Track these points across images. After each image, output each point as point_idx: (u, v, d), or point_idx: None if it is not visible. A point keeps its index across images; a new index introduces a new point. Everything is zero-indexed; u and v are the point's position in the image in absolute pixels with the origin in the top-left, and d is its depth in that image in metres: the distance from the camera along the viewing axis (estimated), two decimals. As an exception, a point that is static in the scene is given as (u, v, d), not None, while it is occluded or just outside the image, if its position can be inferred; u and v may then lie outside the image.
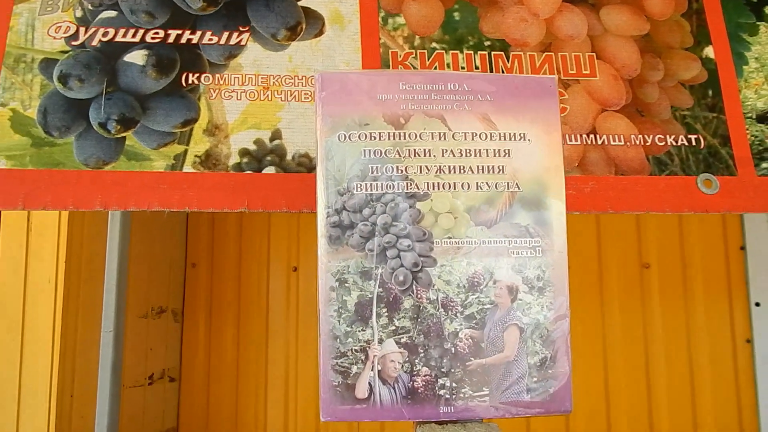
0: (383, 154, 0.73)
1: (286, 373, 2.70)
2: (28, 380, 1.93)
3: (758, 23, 1.24)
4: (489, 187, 0.73)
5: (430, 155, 0.73)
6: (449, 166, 0.73)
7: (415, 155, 0.73)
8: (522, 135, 0.74)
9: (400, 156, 0.73)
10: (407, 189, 0.72)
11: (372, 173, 0.72)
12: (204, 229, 2.84)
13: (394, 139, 0.73)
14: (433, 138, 0.74)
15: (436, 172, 0.73)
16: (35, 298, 1.98)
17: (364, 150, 0.73)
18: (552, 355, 0.72)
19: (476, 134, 0.74)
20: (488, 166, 0.74)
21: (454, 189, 0.73)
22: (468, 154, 0.74)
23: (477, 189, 0.73)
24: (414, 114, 0.73)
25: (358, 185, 0.72)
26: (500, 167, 0.74)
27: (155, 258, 2.56)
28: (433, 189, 0.73)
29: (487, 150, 0.74)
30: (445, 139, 0.74)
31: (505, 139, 0.74)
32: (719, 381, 2.40)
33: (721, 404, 2.39)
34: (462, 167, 0.73)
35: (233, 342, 2.74)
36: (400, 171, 0.73)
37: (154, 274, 2.54)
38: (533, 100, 0.75)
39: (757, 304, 2.38)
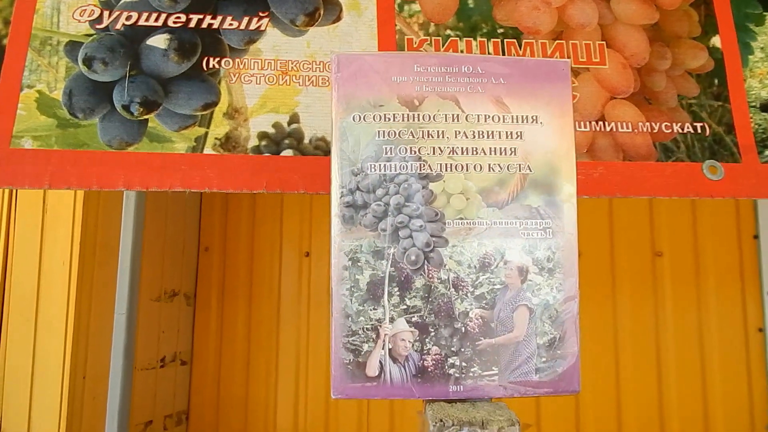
0: (397, 135, 0.70)
1: (297, 357, 2.67)
2: (41, 361, 1.92)
3: (765, 13, 1.22)
4: (501, 168, 0.71)
5: (443, 137, 0.71)
6: (462, 148, 0.71)
7: (428, 136, 0.71)
8: (534, 118, 0.72)
9: (413, 137, 0.70)
10: (420, 170, 0.70)
11: (386, 154, 0.70)
12: (217, 214, 2.79)
13: (408, 120, 0.70)
14: (446, 120, 0.71)
15: (449, 154, 0.70)
16: (49, 280, 1.95)
17: (379, 131, 0.70)
18: (561, 336, 0.70)
19: (489, 116, 0.71)
20: (500, 148, 0.71)
21: (467, 170, 0.70)
22: (481, 136, 0.71)
23: (489, 170, 0.71)
24: (428, 96, 0.71)
25: (372, 166, 0.70)
26: (512, 149, 0.71)
27: (168, 241, 2.53)
28: (446, 170, 0.70)
29: (499, 132, 0.71)
30: (458, 120, 0.71)
31: (517, 121, 0.72)
32: (730, 370, 2.35)
33: (732, 393, 2.34)
34: (474, 149, 0.71)
35: (245, 326, 2.72)
36: (413, 152, 0.70)
37: (167, 258, 2.51)
38: (546, 84, 0.73)
39: None
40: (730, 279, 2.42)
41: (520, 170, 0.71)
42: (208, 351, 2.73)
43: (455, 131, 0.71)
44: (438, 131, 0.71)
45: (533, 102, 0.72)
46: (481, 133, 0.71)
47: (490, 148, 0.71)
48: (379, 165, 0.70)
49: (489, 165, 0.71)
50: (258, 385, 2.67)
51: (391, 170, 0.70)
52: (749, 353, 2.36)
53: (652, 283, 2.46)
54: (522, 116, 0.72)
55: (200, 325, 2.74)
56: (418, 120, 0.71)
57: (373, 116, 0.70)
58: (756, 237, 2.41)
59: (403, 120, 0.71)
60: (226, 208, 2.75)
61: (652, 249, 2.49)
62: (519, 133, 0.71)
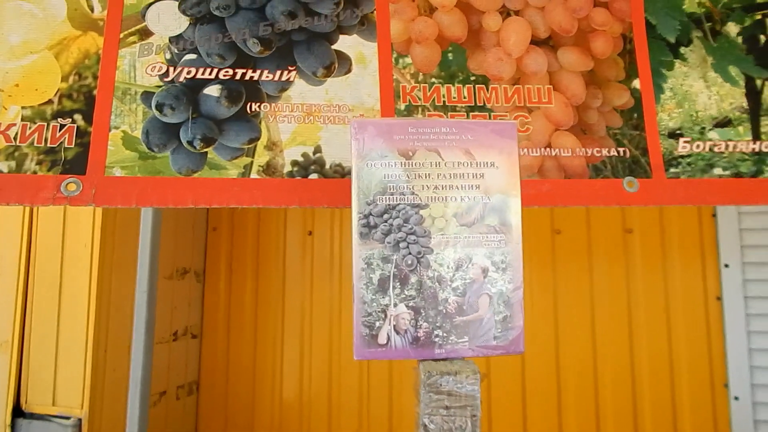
0: (397, 177, 0.89)
1: (301, 329, 2.71)
2: (66, 337, 1.92)
3: (674, 60, 1.38)
4: (469, 199, 0.90)
5: (429, 177, 0.90)
6: (442, 185, 0.89)
7: (419, 177, 0.90)
8: (492, 163, 0.92)
9: (408, 178, 0.90)
10: (414, 201, 0.89)
11: (390, 190, 0.89)
12: (224, 195, 2.84)
13: (404, 166, 0.90)
14: (431, 166, 0.90)
15: (434, 189, 0.90)
16: (72, 262, 1.94)
17: (384, 174, 0.89)
18: (511, 314, 0.90)
19: (461, 163, 0.91)
20: (468, 185, 0.90)
21: (446, 201, 0.89)
22: (455, 177, 0.90)
23: (461, 201, 0.90)
24: (419, 149, 0.90)
25: (380, 198, 0.89)
26: (477, 186, 0.91)
27: (180, 222, 2.50)
28: (432, 201, 0.89)
29: (467, 174, 0.90)
30: (439, 166, 0.90)
31: (480, 166, 0.91)
32: (693, 333, 2.48)
33: (695, 354, 2.47)
34: (451, 186, 0.89)
35: (252, 300, 2.74)
36: (408, 188, 0.89)
37: (179, 238, 2.49)
38: (500, 139, 0.93)
39: (726, 266, 2.46)
40: (691, 253, 2.53)
41: (482, 200, 0.92)
42: (217, 324, 2.75)
43: (437, 173, 0.91)
44: (426, 174, 0.91)
45: (491, 152, 0.93)
46: (455, 174, 0.91)
47: (462, 185, 0.91)
48: (385, 198, 0.90)
49: (461, 197, 0.91)
50: (265, 356, 2.71)
51: (393, 201, 0.90)
52: (709, 319, 2.49)
53: (624, 256, 2.58)
54: (483, 162, 0.92)
55: (209, 300, 2.76)
56: (412, 166, 0.91)
57: (380, 164, 0.91)
58: (714, 216, 2.52)
59: (401, 166, 0.91)
60: (232, 190, 2.78)
61: (623, 226, 2.60)
62: (481, 174, 0.92)
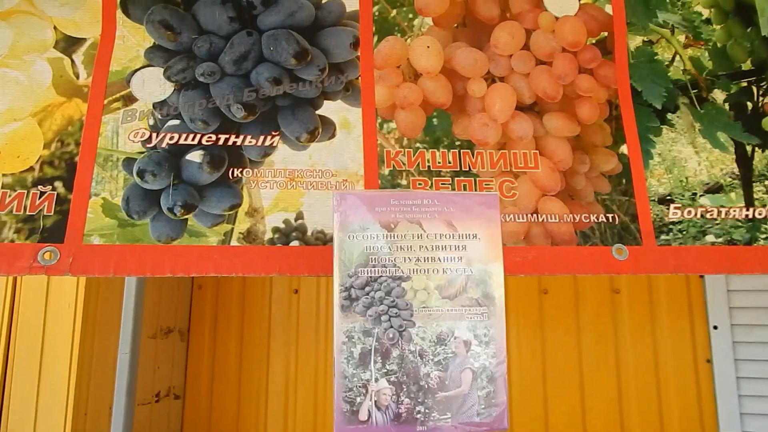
0: (379, 249, 0.94)
1: (285, 389, 2.71)
2: (45, 399, 1.90)
3: (662, 126, 1.43)
4: (452, 271, 0.95)
5: (411, 250, 0.94)
6: (424, 257, 0.94)
7: (401, 249, 0.94)
8: (474, 235, 0.96)
9: (390, 250, 0.94)
10: (395, 273, 0.94)
11: (371, 262, 0.94)
12: (209, 253, 2.88)
13: (386, 239, 0.94)
14: (413, 238, 0.95)
15: (416, 262, 0.94)
16: (55, 322, 1.94)
17: (366, 246, 0.94)
18: (494, 390, 0.93)
19: (443, 235, 0.95)
20: (451, 257, 0.95)
21: (428, 273, 0.94)
22: (437, 249, 0.95)
23: (443, 273, 0.94)
24: (400, 221, 0.95)
25: (362, 270, 0.93)
26: (459, 258, 0.95)
27: (165, 281, 2.51)
28: (414, 273, 0.94)
29: (450, 246, 0.95)
30: (421, 238, 0.95)
31: (462, 238, 0.96)
32: (684, 397, 2.49)
33: (686, 419, 2.48)
34: (433, 258, 0.94)
35: (236, 359, 2.75)
36: (390, 261, 0.94)
37: (164, 296, 2.51)
38: (482, 210, 0.97)
39: (715, 327, 2.47)
40: (680, 314, 2.55)
41: (464, 272, 0.95)
42: (200, 385, 2.74)
43: (419, 246, 0.95)
44: (408, 246, 0.95)
45: (473, 224, 0.96)
46: (437, 246, 0.95)
47: (444, 257, 0.95)
48: (367, 270, 0.94)
49: (443, 269, 0.95)
50: (248, 418, 2.70)
51: (375, 274, 0.94)
52: (699, 382, 2.50)
53: (612, 317, 2.60)
54: (466, 234, 0.96)
55: (193, 360, 2.75)
56: (394, 238, 0.95)
57: (362, 236, 0.94)
58: (702, 276, 2.55)
59: (383, 238, 0.94)
60: (219, 247, 2.82)
61: (611, 287, 2.62)
62: (463, 246, 0.95)
